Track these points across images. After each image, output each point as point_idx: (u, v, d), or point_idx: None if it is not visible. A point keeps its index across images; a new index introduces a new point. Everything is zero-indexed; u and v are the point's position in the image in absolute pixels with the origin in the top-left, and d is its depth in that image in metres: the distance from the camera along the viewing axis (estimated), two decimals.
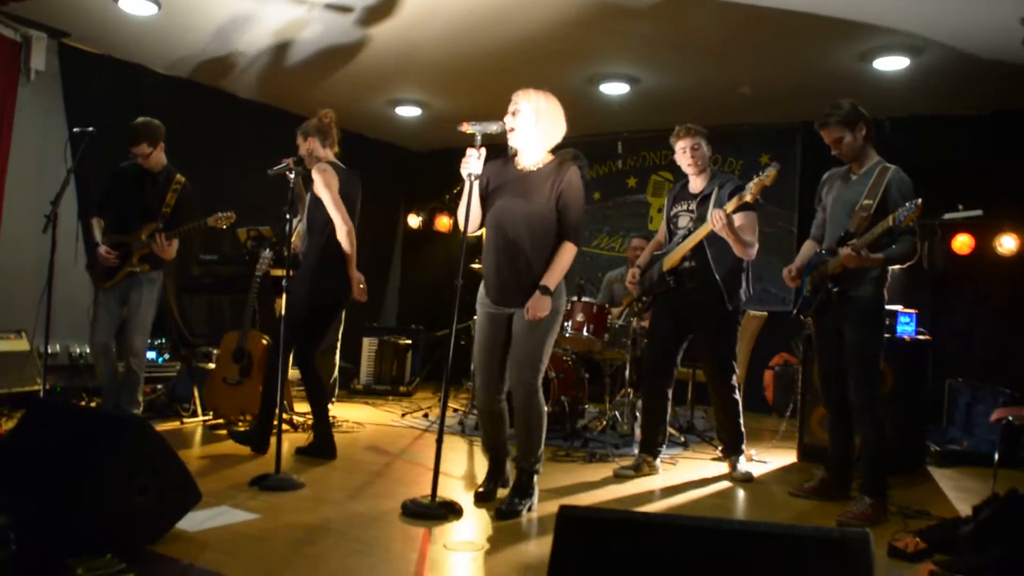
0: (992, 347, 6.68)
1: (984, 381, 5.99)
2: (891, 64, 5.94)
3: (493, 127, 3.67)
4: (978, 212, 6.34)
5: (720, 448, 4.99)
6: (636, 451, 4.91)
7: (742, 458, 4.81)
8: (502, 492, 3.92)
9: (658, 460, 4.79)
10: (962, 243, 6.66)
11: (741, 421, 4.81)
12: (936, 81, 6.23)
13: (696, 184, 4.69)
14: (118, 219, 5.03)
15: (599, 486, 4.41)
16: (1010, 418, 4.38)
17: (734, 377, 4.77)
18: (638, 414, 5.39)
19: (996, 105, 6.70)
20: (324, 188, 4.48)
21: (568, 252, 3.69)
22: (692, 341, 4.78)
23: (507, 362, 3.79)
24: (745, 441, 4.86)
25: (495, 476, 3.98)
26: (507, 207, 3.72)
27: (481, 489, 3.92)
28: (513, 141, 3.74)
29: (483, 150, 3.64)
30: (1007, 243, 6.47)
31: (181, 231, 4.94)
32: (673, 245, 4.68)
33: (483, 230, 3.85)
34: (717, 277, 4.52)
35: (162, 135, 5.03)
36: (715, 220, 4.32)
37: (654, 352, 4.80)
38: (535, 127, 3.68)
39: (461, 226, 3.76)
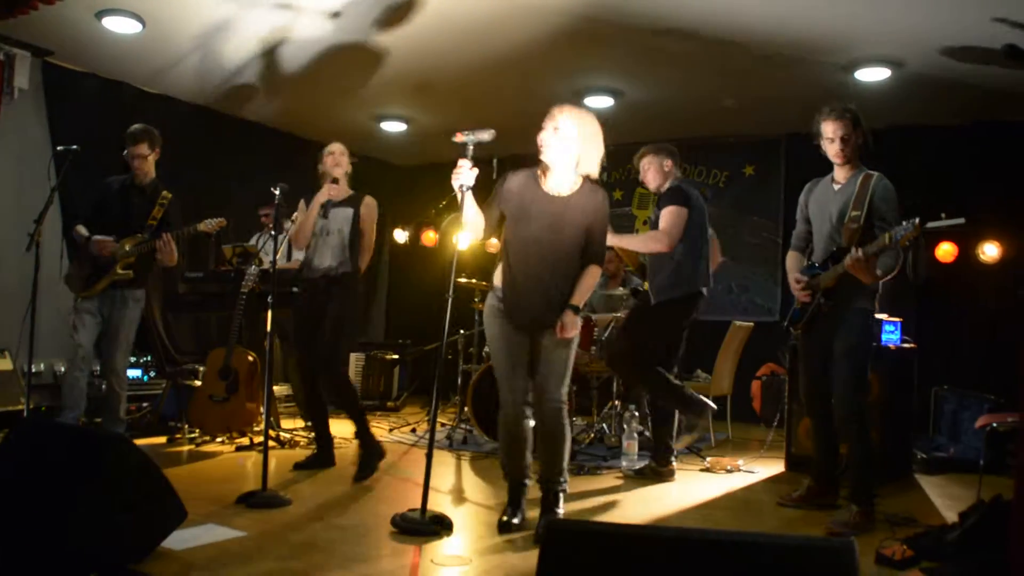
0: (977, 354, 6.71)
1: (969, 388, 6.02)
2: (872, 75, 6.00)
3: (485, 136, 3.58)
4: (960, 220, 6.40)
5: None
6: (623, 463, 4.98)
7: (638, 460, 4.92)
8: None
9: (669, 465, 4.93)
10: (945, 251, 6.72)
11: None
12: (917, 92, 6.30)
13: None
14: (103, 231, 4.98)
15: (587, 498, 4.41)
16: (995, 424, 4.41)
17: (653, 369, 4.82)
18: (625, 426, 5.41)
19: (977, 115, 6.77)
20: (372, 221, 4.92)
21: (594, 273, 3.63)
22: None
23: (534, 377, 3.69)
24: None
25: (516, 505, 3.75)
26: (537, 237, 3.58)
27: (505, 519, 3.68)
28: (546, 157, 3.59)
29: (469, 162, 3.55)
30: (989, 251, 6.54)
31: (178, 234, 4.87)
32: None
33: (497, 245, 3.78)
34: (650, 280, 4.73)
35: (159, 143, 5.06)
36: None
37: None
38: (575, 150, 3.55)
39: (468, 235, 3.80)
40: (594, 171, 3.62)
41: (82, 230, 4.98)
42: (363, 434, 4.78)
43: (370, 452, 4.76)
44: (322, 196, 4.74)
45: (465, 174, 3.51)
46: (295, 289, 4.97)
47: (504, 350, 3.71)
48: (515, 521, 3.67)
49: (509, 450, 3.78)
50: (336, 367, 4.80)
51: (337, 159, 4.85)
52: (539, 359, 3.65)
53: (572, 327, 3.55)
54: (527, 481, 3.81)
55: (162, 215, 4.97)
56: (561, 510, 3.72)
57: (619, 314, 5.94)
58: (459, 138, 3.60)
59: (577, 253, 3.62)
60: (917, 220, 3.52)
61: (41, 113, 6.28)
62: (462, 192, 3.53)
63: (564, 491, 3.75)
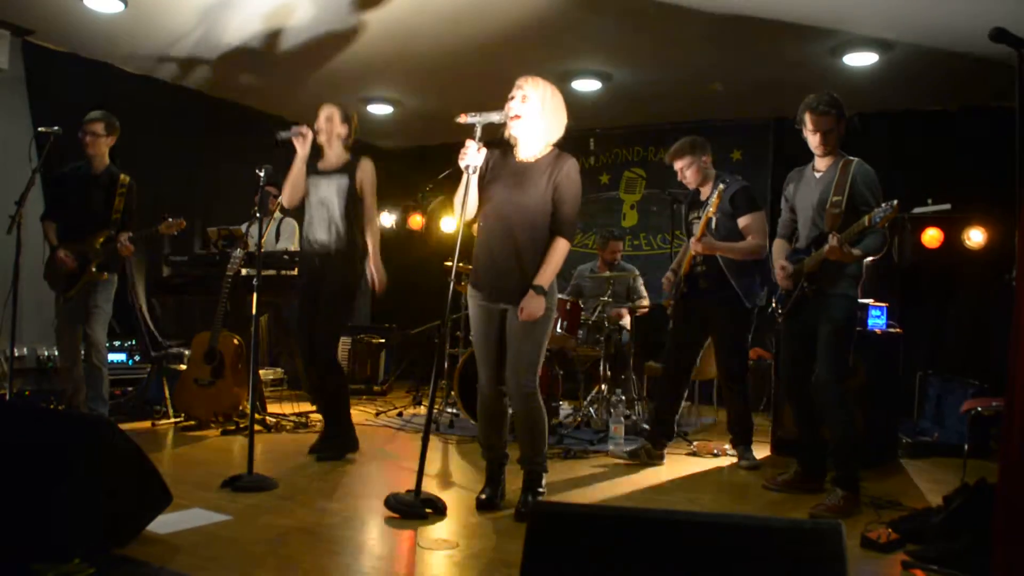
0: (961, 339, 6.76)
1: (954, 373, 6.06)
2: (860, 60, 6.00)
3: (494, 117, 3.53)
4: (946, 206, 6.43)
5: (730, 439, 5.09)
6: (610, 447, 4.97)
7: (750, 449, 4.94)
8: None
9: (662, 450, 4.94)
10: (931, 237, 6.73)
11: (750, 415, 5.02)
12: (904, 76, 6.30)
13: (704, 191, 4.87)
14: (68, 226, 5.08)
15: (574, 482, 4.41)
16: (979, 409, 4.43)
17: (747, 374, 5.02)
18: (612, 410, 5.41)
19: (963, 100, 6.78)
20: (371, 185, 4.74)
21: (561, 248, 3.58)
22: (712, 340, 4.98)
23: (505, 362, 3.67)
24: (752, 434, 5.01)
25: (494, 483, 3.81)
26: (502, 199, 3.59)
27: (483, 496, 3.75)
28: (515, 130, 3.58)
29: (479, 143, 3.53)
30: (975, 236, 6.56)
31: (137, 236, 5.03)
32: (684, 252, 4.96)
33: (475, 224, 3.73)
34: (730, 279, 4.70)
35: (117, 131, 5.10)
36: (692, 247, 4.73)
37: (676, 352, 4.96)
38: (540, 117, 3.56)
39: (457, 214, 3.63)
40: (557, 137, 3.65)
41: (51, 236, 5.09)
42: (341, 420, 4.73)
43: (342, 437, 4.72)
44: (300, 154, 4.66)
45: (472, 155, 3.51)
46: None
47: (478, 329, 3.73)
48: (491, 498, 3.73)
49: (485, 428, 3.81)
50: (325, 352, 4.66)
51: (320, 125, 4.74)
52: (508, 342, 3.63)
53: (534, 309, 3.50)
54: (504, 460, 3.84)
55: (124, 205, 5.07)
56: (542, 490, 3.74)
57: (606, 298, 5.94)
58: (463, 119, 3.56)
59: (544, 218, 3.57)
60: (896, 202, 3.55)
61: (22, 94, 6.18)
62: (467, 173, 3.53)
63: (544, 471, 3.77)
